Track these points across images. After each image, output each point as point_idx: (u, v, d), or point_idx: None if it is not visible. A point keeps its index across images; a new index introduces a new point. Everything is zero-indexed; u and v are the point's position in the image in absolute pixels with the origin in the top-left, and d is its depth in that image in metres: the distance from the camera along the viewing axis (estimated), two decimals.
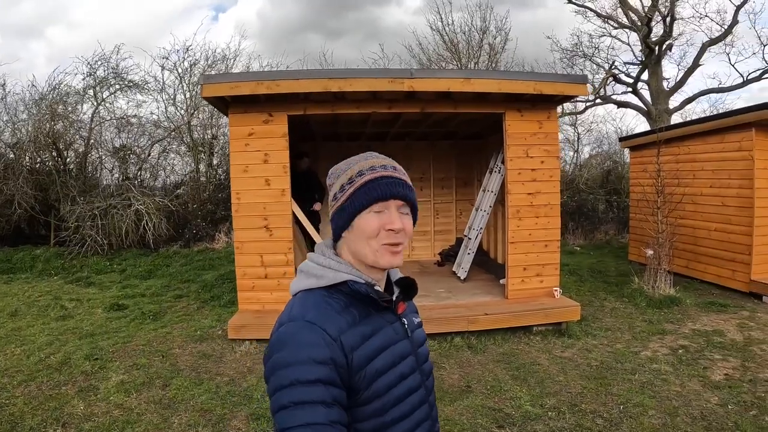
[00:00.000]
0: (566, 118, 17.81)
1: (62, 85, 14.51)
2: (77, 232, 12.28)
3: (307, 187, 8.95)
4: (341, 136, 10.32)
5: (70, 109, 14.55)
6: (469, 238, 8.55)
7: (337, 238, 1.47)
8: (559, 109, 7.54)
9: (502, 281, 7.50)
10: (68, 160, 14.54)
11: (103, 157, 15.26)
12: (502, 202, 7.69)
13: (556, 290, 6.70)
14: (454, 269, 8.91)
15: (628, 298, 8.00)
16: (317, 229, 9.14)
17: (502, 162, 7.42)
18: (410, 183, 1.47)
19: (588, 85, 7.15)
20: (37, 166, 14.11)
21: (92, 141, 14.71)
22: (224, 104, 6.99)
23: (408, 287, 1.57)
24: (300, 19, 36.17)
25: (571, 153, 18.30)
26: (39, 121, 13.83)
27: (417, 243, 10.84)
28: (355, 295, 1.38)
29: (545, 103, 6.61)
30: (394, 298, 1.49)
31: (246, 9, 41.87)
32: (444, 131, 9.78)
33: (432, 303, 7.03)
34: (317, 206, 9.19)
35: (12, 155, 13.55)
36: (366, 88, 6.33)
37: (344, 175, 1.44)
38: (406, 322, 1.51)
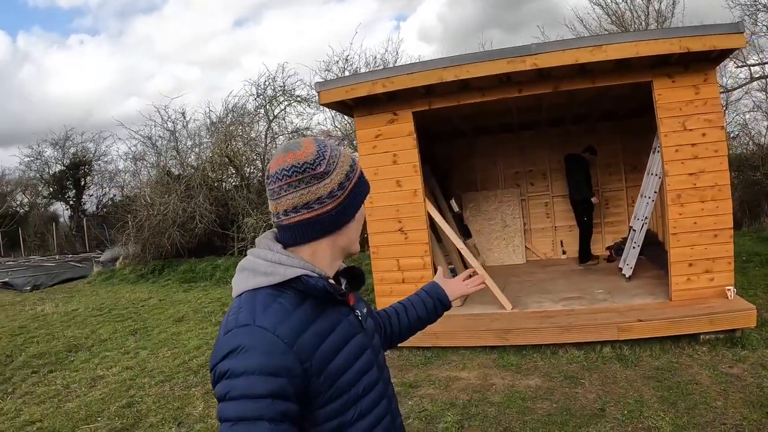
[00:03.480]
0: (755, 83, 15.12)
1: (236, 108, 15.69)
2: (254, 241, 13.06)
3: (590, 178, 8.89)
4: (491, 128, 9.70)
5: (246, 129, 15.63)
6: (634, 230, 7.46)
7: (329, 232, 1.33)
8: (745, 73, 6.22)
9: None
10: (248, 175, 15.56)
11: None
12: None
13: (729, 289, 5.48)
14: (619, 265, 7.86)
15: None
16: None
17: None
18: None
19: (746, 33, 5.76)
20: (216, 184, 15.27)
21: (267, 156, 15.64)
22: (348, 108, 6.84)
23: (354, 277, 1.48)
24: (479, 17, 35.96)
25: (765, 122, 15.51)
26: (216, 143, 14.99)
27: None
28: (310, 291, 1.26)
29: (699, 63, 5.43)
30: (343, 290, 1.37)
31: (426, 15, 42.53)
32: (600, 111, 8.70)
33: (583, 306, 6.20)
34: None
35: (195, 176, 14.80)
36: (484, 73, 5.76)
37: (344, 162, 1.33)
38: (359, 314, 1.41)
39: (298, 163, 1.27)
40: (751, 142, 15.04)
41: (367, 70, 15.77)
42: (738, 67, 14.51)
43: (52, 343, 8.12)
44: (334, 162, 1.30)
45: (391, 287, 6.75)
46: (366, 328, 1.42)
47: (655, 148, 7.12)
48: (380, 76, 6.22)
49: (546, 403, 4.45)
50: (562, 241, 9.93)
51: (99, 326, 9.04)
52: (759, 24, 14.57)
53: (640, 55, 5.29)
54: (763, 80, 15.14)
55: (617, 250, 9.02)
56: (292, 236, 1.31)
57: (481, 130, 9.78)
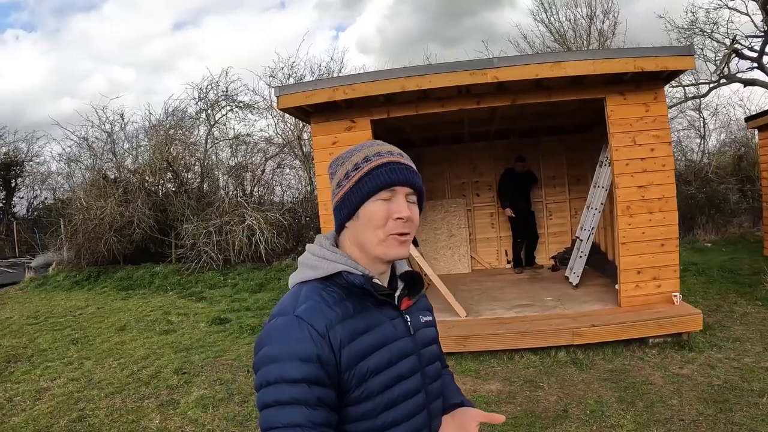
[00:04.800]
0: (689, 103, 16.06)
1: (176, 111, 15.42)
2: (193, 248, 12.82)
3: (523, 187, 9.45)
4: (442, 139, 9.88)
5: (186, 132, 15.38)
6: (581, 240, 7.76)
7: (340, 229, 1.39)
8: (680, 93, 6.58)
9: (617, 286, 6.66)
10: (187, 180, 15.27)
11: (219, 176, 15.90)
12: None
13: (675, 296, 5.79)
14: (566, 274, 8.14)
15: (762, 301, 6.91)
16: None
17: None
18: (416, 169, 1.40)
19: (695, 57, 6.14)
20: (154, 188, 14.93)
21: (207, 162, 15.37)
22: (306, 114, 6.83)
23: (413, 282, 1.46)
24: (418, 31, 36.48)
25: (698, 140, 16.48)
26: (155, 146, 14.63)
27: None
28: (351, 288, 1.30)
29: (650, 82, 5.75)
30: (397, 293, 1.41)
31: (365, 26, 42.86)
32: (548, 125, 9.03)
33: (536, 313, 6.39)
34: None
35: (133, 179, 14.39)
36: (446, 84, 5.87)
37: (349, 161, 1.36)
38: (409, 319, 1.40)
39: (333, 158, 1.42)
40: (684, 159, 15.90)
41: (313, 77, 15.79)
42: (674, 87, 15.33)
43: None
44: (351, 153, 1.38)
45: None
46: (415, 335, 1.40)
47: (602, 162, 7.46)
48: (341, 83, 6.25)
49: (510, 406, 4.56)
50: (506, 251, 10.18)
51: (36, 335, 8.59)
52: (694, 46, 15.49)
53: (597, 73, 5.54)
54: (697, 100, 16.12)
55: (561, 259, 9.35)
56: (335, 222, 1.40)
57: (431, 140, 9.94)
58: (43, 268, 15.60)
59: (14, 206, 26.38)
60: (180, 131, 15.50)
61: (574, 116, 7.96)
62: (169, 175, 15.19)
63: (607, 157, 7.22)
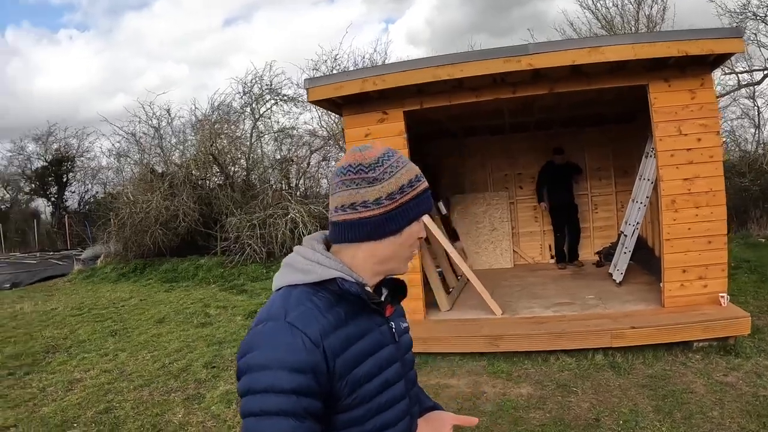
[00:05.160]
0: (742, 91, 15.12)
1: (222, 105, 15.58)
2: (237, 241, 12.92)
3: (564, 179, 9.07)
4: (481, 130, 9.61)
5: (232, 127, 15.53)
6: (625, 235, 7.40)
7: (370, 237, 1.31)
8: (733, 80, 6.13)
9: (662, 285, 6.31)
10: (232, 174, 15.42)
11: (263, 169, 16.00)
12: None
13: (722, 296, 5.40)
14: (609, 270, 7.79)
15: None
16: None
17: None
18: None
19: (746, 41, 5.68)
20: (200, 182, 15.12)
21: (252, 155, 15.47)
22: (337, 107, 6.70)
23: (396, 289, 1.45)
24: (467, 22, 36.06)
25: (752, 130, 15.56)
26: (201, 140, 14.79)
27: None
28: (344, 295, 1.27)
29: (695, 67, 5.36)
30: (382, 300, 1.39)
31: (414, 18, 42.61)
32: (591, 115, 8.64)
33: (574, 312, 6.11)
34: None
35: (179, 174, 14.62)
36: (479, 72, 5.64)
37: (403, 175, 1.31)
38: (393, 326, 1.40)
39: (356, 164, 1.30)
40: (737, 149, 15.10)
41: (355, 69, 15.63)
42: (726, 74, 14.54)
43: (30, 343, 7.88)
44: (391, 172, 1.30)
45: None
46: (399, 341, 1.41)
47: (648, 153, 7.08)
48: (371, 73, 6.10)
49: (539, 412, 4.33)
50: (550, 246, 9.84)
51: (78, 326, 8.80)
52: (747, 32, 14.60)
53: (638, 58, 5.21)
54: (751, 88, 15.21)
55: (606, 255, 8.97)
56: (335, 234, 1.34)
57: (470, 131, 9.68)
58: (92, 261, 16.08)
59: (66, 200, 27.35)
60: (225, 125, 15.68)
61: (618, 105, 7.59)
62: (215, 168, 15.38)
63: (652, 148, 6.84)
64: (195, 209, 14.07)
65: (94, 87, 46.23)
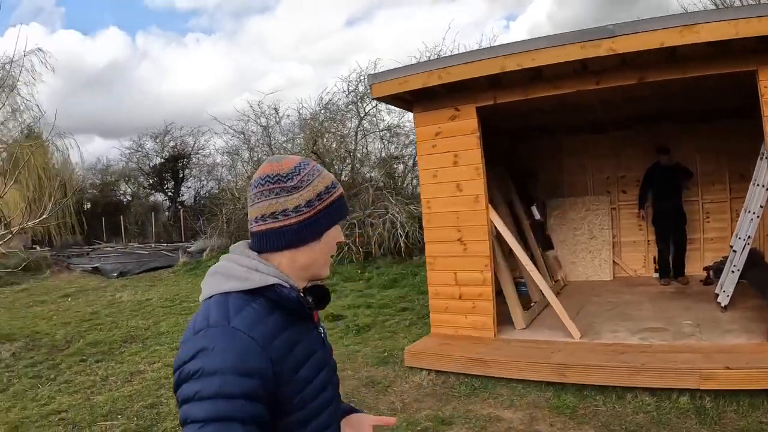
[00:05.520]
0: None
1: (329, 104, 15.89)
2: None
3: (671, 183, 8.13)
4: (580, 127, 8.82)
5: (338, 125, 15.78)
6: (734, 251, 6.42)
7: (291, 245, 1.35)
8: None
9: None
10: (337, 173, 15.49)
11: (366, 168, 15.97)
12: None
13: None
14: (716, 290, 6.83)
15: None
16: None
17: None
18: None
19: None
20: None
21: (357, 154, 15.45)
22: (407, 103, 6.30)
23: (321, 296, 1.46)
24: (590, 16, 34.77)
25: None
26: (305, 138, 14.94)
27: None
28: (280, 302, 1.28)
29: None
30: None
31: (535, 14, 41.51)
32: (701, 109, 7.60)
33: (664, 342, 5.32)
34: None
35: None
36: (552, 60, 5.06)
37: (320, 183, 1.37)
38: (322, 331, 1.46)
39: (273, 174, 1.33)
40: None
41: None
42: None
43: (113, 332, 8.23)
44: (308, 180, 1.34)
45: (446, 303, 6.23)
46: (327, 346, 1.46)
47: (763, 154, 6.09)
48: (436, 66, 5.63)
49: None
50: (654, 257, 8.87)
51: (163, 318, 9.11)
52: None
53: (741, 37, 4.34)
54: None
55: (716, 270, 7.92)
56: (258, 243, 1.35)
57: (568, 128, 8.91)
58: (200, 253, 16.66)
59: (182, 195, 29.18)
60: (333, 124, 15.85)
61: (728, 97, 6.58)
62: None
63: (766, 149, 5.87)
64: None
65: (219, 88, 48.64)
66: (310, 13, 56.53)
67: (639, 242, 9.16)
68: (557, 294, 7.94)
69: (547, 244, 9.02)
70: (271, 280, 1.27)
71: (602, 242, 9.18)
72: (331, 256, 1.42)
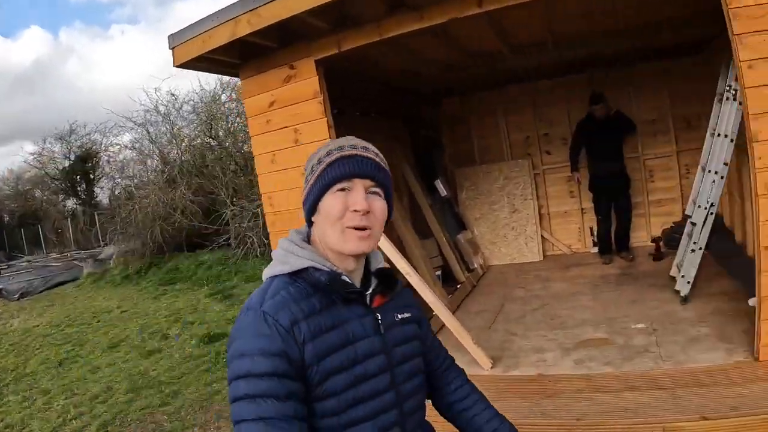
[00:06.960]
0: None
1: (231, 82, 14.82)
2: (237, 235, 11.57)
3: (609, 139, 6.45)
4: (492, 81, 7.17)
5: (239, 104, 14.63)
6: (693, 223, 4.85)
7: (309, 224, 1.38)
8: None
9: (752, 301, 3.75)
10: (236, 161, 14.41)
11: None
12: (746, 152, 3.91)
13: None
14: (672, 273, 5.29)
15: None
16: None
17: (736, 79, 3.70)
18: (385, 166, 1.38)
19: None
20: (203, 171, 14.36)
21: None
22: (232, 68, 4.50)
23: (387, 278, 1.42)
24: None
25: None
26: (201, 122, 14.60)
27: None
28: (317, 284, 1.28)
29: None
30: (371, 290, 1.38)
31: None
32: (639, 47, 6.01)
33: (604, 367, 3.75)
34: None
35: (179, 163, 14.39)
36: None
37: (315, 157, 1.36)
38: (380, 317, 1.37)
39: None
40: None
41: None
42: None
43: None
44: (322, 148, 1.36)
45: None
46: (385, 334, 1.36)
47: (721, 94, 4.53)
48: (244, 9, 3.74)
49: None
50: (591, 228, 7.33)
51: (37, 352, 7.97)
52: None
53: None
54: None
55: (668, 240, 6.44)
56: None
57: (476, 83, 7.23)
58: (109, 259, 15.53)
59: (97, 196, 27.27)
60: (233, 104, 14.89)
61: (674, 29, 5.01)
62: (218, 153, 14.12)
63: (729, 87, 4.27)
64: (194, 201, 13.24)
65: (152, 77, 45.74)
66: None
67: (571, 212, 7.57)
68: (473, 287, 6.44)
69: (457, 224, 7.40)
70: (304, 263, 1.29)
71: (526, 216, 7.53)
72: (361, 228, 1.28)
